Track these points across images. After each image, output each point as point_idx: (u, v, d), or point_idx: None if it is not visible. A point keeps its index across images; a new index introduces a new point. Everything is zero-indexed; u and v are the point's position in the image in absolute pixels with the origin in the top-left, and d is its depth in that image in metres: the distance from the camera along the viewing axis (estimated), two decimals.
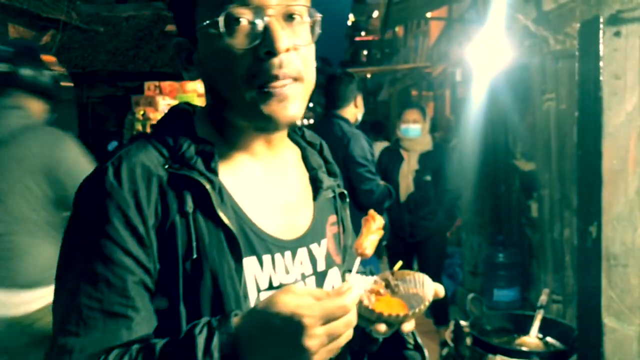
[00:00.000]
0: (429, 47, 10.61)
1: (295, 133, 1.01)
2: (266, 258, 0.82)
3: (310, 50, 0.84)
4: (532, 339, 2.15)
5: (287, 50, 0.78)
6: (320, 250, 0.91)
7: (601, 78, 1.61)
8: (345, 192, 1.02)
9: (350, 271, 0.97)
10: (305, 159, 0.99)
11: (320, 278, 0.90)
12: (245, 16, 0.78)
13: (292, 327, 0.66)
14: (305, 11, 0.82)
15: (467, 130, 4.84)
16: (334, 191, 0.99)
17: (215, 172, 0.80)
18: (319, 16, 0.85)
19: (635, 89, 1.60)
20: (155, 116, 8.32)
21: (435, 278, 3.29)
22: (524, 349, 2.09)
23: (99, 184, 0.77)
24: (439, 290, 0.86)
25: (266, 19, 0.78)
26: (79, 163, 1.94)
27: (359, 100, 3.26)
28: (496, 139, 4.72)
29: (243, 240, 0.79)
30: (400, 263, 0.93)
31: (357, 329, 0.75)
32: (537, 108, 3.75)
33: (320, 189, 0.95)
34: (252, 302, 0.79)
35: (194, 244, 0.76)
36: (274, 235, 0.85)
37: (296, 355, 0.67)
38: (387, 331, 0.80)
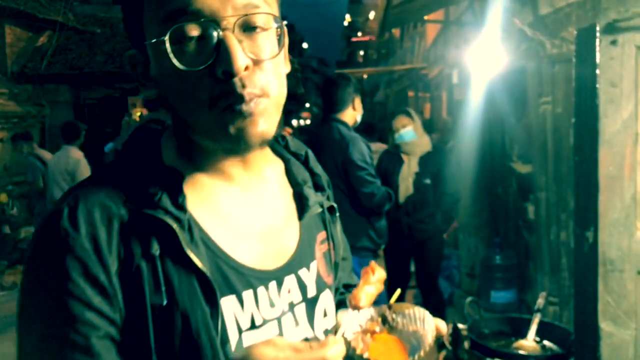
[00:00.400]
0: (426, 48, 10.64)
1: (277, 143, 0.93)
2: (247, 294, 0.75)
3: (277, 62, 0.75)
4: (529, 343, 2.16)
5: (247, 68, 0.69)
6: (309, 274, 0.84)
7: (598, 86, 1.63)
8: (335, 205, 0.95)
9: (343, 307, 0.93)
10: (289, 172, 0.91)
11: (311, 304, 0.84)
12: (194, 31, 0.69)
13: None
14: (268, 19, 0.73)
15: (464, 133, 4.87)
16: (321, 206, 0.91)
17: (183, 209, 0.71)
18: (284, 23, 0.76)
19: (631, 97, 1.62)
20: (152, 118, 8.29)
21: (433, 280, 3.31)
22: (521, 352, 2.11)
23: (52, 231, 0.68)
24: (441, 326, 0.83)
25: (220, 32, 0.68)
26: None
27: (357, 102, 3.27)
28: (493, 142, 4.74)
29: (219, 280, 0.72)
30: (398, 292, 0.89)
31: None
32: (533, 111, 3.78)
33: (306, 207, 0.87)
34: (233, 346, 0.73)
35: (163, 289, 0.68)
36: (256, 267, 0.77)
37: None
38: None
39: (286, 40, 0.76)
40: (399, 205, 3.88)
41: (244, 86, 0.69)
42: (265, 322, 0.76)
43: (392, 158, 4.06)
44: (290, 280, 0.81)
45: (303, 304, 0.82)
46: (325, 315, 0.85)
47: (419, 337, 0.78)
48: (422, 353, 0.75)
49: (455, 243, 5.47)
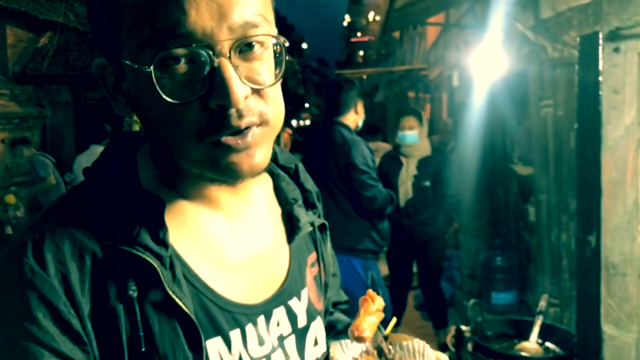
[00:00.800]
0: (426, 49, 10.66)
1: None
2: (234, 334, 0.68)
3: (276, 85, 0.66)
4: (532, 345, 2.19)
5: (245, 98, 0.61)
6: (300, 304, 0.78)
7: (600, 92, 1.65)
8: (326, 222, 0.89)
9: (337, 338, 0.90)
10: (278, 189, 0.83)
11: (301, 335, 0.78)
12: (184, 57, 0.59)
13: None
14: (268, 38, 0.64)
15: (465, 135, 4.89)
16: (312, 224, 0.84)
17: (164, 244, 0.63)
18: (285, 41, 0.66)
19: (634, 104, 1.64)
20: None
21: (435, 281, 3.34)
22: (524, 354, 2.14)
23: (16, 269, 0.59)
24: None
25: (214, 59, 0.59)
26: None
27: (360, 106, 3.28)
28: (494, 144, 4.77)
29: (204, 320, 0.65)
30: (393, 321, 0.85)
31: None
32: (534, 114, 3.80)
33: (297, 229, 0.80)
34: None
35: (141, 334, 0.61)
36: (244, 302, 0.70)
37: None
38: None
39: (285, 61, 0.67)
40: (399, 208, 3.90)
41: (240, 116, 0.61)
42: None
43: (392, 161, 4.08)
44: (279, 313, 0.75)
45: (293, 336, 0.76)
46: (316, 343, 0.80)
47: None
48: None
49: (456, 244, 5.49)
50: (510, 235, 4.61)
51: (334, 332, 0.96)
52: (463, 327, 2.34)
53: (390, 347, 0.78)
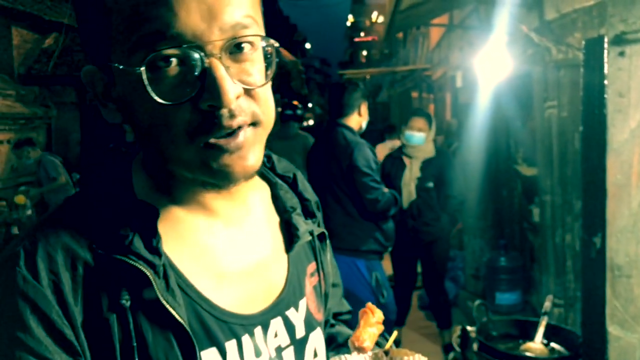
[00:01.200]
0: (429, 49, 10.67)
1: (263, 165, 0.82)
2: (230, 345, 0.67)
3: (267, 88, 0.66)
4: (537, 345, 2.21)
5: (237, 98, 0.61)
6: (298, 315, 0.77)
7: (606, 96, 1.67)
8: (326, 232, 0.87)
9: (337, 351, 0.90)
10: (276, 198, 0.82)
11: (300, 346, 0.76)
12: (175, 58, 0.59)
13: None
14: (258, 39, 0.64)
15: (469, 135, 4.90)
16: (311, 233, 0.83)
17: (158, 253, 0.62)
18: (275, 43, 0.67)
19: (639, 107, 1.66)
20: None
21: (440, 281, 3.36)
22: (529, 354, 2.15)
23: (9, 279, 0.60)
24: None
25: (205, 59, 0.59)
26: None
27: (364, 108, 3.28)
28: (498, 144, 4.78)
29: (199, 331, 0.65)
30: (395, 335, 0.84)
31: None
32: (539, 115, 3.81)
33: (296, 237, 0.79)
34: None
35: (134, 343, 0.60)
36: (240, 312, 0.69)
37: None
38: None
39: (275, 62, 0.67)
40: (403, 210, 3.91)
41: (232, 116, 0.60)
42: None
43: (395, 161, 4.08)
44: (277, 323, 0.73)
45: (291, 347, 0.75)
46: (315, 355, 0.79)
47: None
48: None
49: (460, 245, 5.50)
50: (515, 235, 4.63)
51: (335, 344, 0.95)
52: (468, 328, 2.36)
53: None
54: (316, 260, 0.84)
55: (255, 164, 0.64)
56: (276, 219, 0.81)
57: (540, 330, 2.23)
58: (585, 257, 1.83)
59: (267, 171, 0.83)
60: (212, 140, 0.61)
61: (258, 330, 0.71)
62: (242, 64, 0.63)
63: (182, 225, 0.69)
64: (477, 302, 2.37)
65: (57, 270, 0.60)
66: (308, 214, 0.84)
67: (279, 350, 0.73)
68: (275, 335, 0.73)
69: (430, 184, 3.94)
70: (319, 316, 0.82)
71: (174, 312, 0.61)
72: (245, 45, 0.63)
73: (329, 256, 0.89)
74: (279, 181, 0.84)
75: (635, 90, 1.62)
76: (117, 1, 0.60)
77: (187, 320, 0.63)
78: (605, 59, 1.69)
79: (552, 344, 2.25)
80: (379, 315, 0.82)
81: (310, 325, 0.78)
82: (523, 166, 4.60)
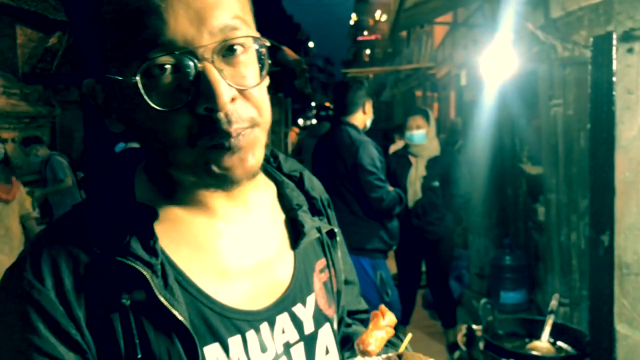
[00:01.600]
0: (433, 48, 10.65)
1: (269, 164, 0.84)
2: (234, 341, 0.68)
3: (261, 85, 0.67)
4: (543, 344, 2.20)
5: (233, 99, 0.62)
6: (306, 311, 0.77)
7: (614, 93, 1.66)
8: (336, 229, 0.87)
9: (352, 352, 0.88)
10: (282, 196, 0.82)
11: (310, 342, 0.76)
12: (168, 64, 0.60)
13: None
14: (248, 39, 0.65)
15: (474, 134, 4.89)
16: (319, 230, 0.83)
17: (155, 253, 0.64)
18: (266, 42, 0.67)
19: None
20: None
21: (444, 281, 3.35)
22: (536, 353, 2.14)
23: (16, 283, 0.63)
24: None
25: (197, 64, 0.60)
26: None
27: (368, 106, 3.27)
28: (503, 143, 4.77)
29: (200, 327, 0.66)
30: (409, 337, 0.83)
31: None
32: (544, 113, 3.80)
33: (302, 234, 0.79)
34: None
35: (137, 340, 0.62)
36: (243, 308, 0.70)
37: None
38: None
39: (268, 63, 0.68)
40: (408, 209, 3.90)
41: (229, 122, 0.61)
42: None
43: (400, 160, 4.08)
44: (283, 319, 0.74)
45: (301, 344, 0.75)
46: (327, 352, 0.79)
47: None
48: None
49: (464, 244, 5.49)
50: (519, 234, 4.61)
51: (350, 344, 0.94)
52: (474, 326, 2.35)
53: None
54: (326, 256, 0.84)
55: (256, 164, 0.65)
56: (282, 216, 0.81)
57: (547, 329, 2.22)
58: (592, 255, 1.82)
59: (273, 170, 0.84)
60: (213, 146, 0.62)
61: (264, 326, 0.71)
62: (235, 66, 0.64)
63: (182, 225, 0.71)
64: (483, 300, 2.36)
65: (60, 274, 0.63)
66: (315, 211, 0.85)
67: (287, 346, 0.73)
68: (283, 331, 0.73)
69: (436, 183, 3.93)
70: (330, 312, 0.82)
71: (172, 309, 0.63)
72: (237, 47, 0.63)
73: (340, 253, 0.89)
74: (286, 180, 0.84)
75: None
76: (108, 14, 0.61)
77: (187, 316, 0.64)
78: (614, 56, 1.68)
79: (559, 343, 2.24)
80: (390, 318, 0.81)
81: (319, 321, 0.79)
82: (528, 165, 4.59)
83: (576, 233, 3.58)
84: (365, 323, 1.01)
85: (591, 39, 1.80)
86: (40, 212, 6.02)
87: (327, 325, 0.80)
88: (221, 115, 0.61)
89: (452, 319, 4.14)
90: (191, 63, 0.60)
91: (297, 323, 0.75)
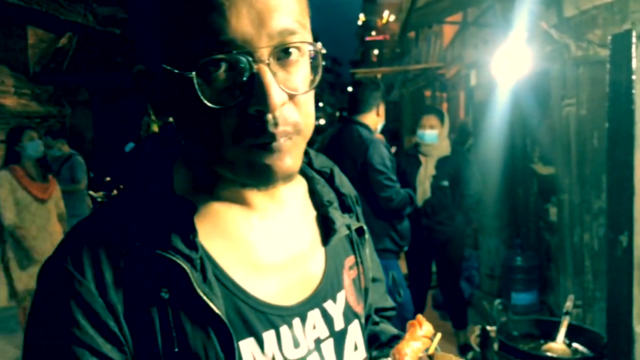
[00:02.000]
0: (442, 48, 10.62)
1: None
2: (268, 335, 0.68)
3: (310, 95, 0.67)
4: (559, 345, 2.18)
5: (283, 104, 0.62)
6: (336, 307, 0.77)
7: (633, 91, 1.64)
8: (365, 227, 0.88)
9: (380, 351, 0.89)
10: (313, 192, 0.83)
11: (340, 338, 0.77)
12: (224, 63, 0.61)
13: None
14: (305, 45, 0.66)
15: (485, 134, 4.86)
16: (349, 227, 0.83)
17: (194, 247, 0.65)
18: (321, 49, 0.68)
19: None
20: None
21: (455, 281, 3.33)
22: (551, 354, 2.13)
23: (57, 274, 0.64)
24: None
25: (253, 65, 0.61)
26: None
27: (381, 109, 3.25)
28: (514, 143, 4.74)
29: (236, 321, 0.66)
30: (438, 337, 0.82)
31: None
32: (556, 113, 3.77)
33: (332, 230, 0.80)
34: None
35: (174, 334, 0.63)
36: (277, 303, 0.71)
37: None
38: None
39: (321, 68, 0.68)
40: (417, 208, 3.88)
41: (276, 124, 0.62)
42: None
43: (410, 159, 4.06)
44: (314, 315, 0.74)
45: (331, 340, 0.75)
46: (355, 348, 0.79)
47: None
48: None
49: (475, 244, 5.47)
50: (530, 235, 4.59)
51: (378, 343, 0.94)
52: (488, 327, 2.33)
53: None
54: (354, 254, 0.85)
55: (293, 167, 0.66)
56: (313, 213, 0.82)
57: (562, 330, 2.21)
58: (610, 256, 1.80)
59: (304, 166, 0.84)
60: (257, 146, 0.63)
61: (296, 321, 0.72)
62: (289, 70, 0.64)
63: (219, 219, 0.71)
64: (497, 301, 2.35)
65: (100, 266, 0.63)
66: (345, 208, 0.85)
67: (318, 342, 0.74)
68: (314, 327, 0.74)
69: (445, 183, 3.91)
70: (359, 309, 0.82)
71: (210, 304, 0.64)
72: (293, 51, 0.64)
73: (368, 250, 0.89)
74: (316, 176, 0.85)
75: None
76: (171, 6, 0.62)
77: (224, 311, 0.65)
78: (633, 54, 1.66)
79: (575, 345, 2.22)
80: (427, 329, 0.80)
81: (349, 317, 0.79)
82: (539, 165, 4.56)
83: (589, 233, 3.55)
84: (391, 321, 1.01)
85: (609, 37, 1.78)
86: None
87: (356, 322, 0.80)
88: (269, 117, 0.61)
89: (463, 320, 4.11)
90: (247, 63, 0.61)
91: (328, 319, 0.76)
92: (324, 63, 0.69)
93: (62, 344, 0.61)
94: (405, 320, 0.85)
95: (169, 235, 0.65)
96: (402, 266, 3.94)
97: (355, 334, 0.79)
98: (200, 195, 0.71)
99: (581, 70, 3.41)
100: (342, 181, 0.88)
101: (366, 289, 0.88)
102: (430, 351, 0.79)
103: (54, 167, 5.87)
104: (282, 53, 0.63)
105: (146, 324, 0.63)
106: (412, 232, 3.45)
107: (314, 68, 0.68)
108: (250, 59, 0.60)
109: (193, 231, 0.66)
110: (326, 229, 0.80)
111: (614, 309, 1.79)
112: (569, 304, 2.28)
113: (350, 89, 3.38)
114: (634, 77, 1.64)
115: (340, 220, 0.81)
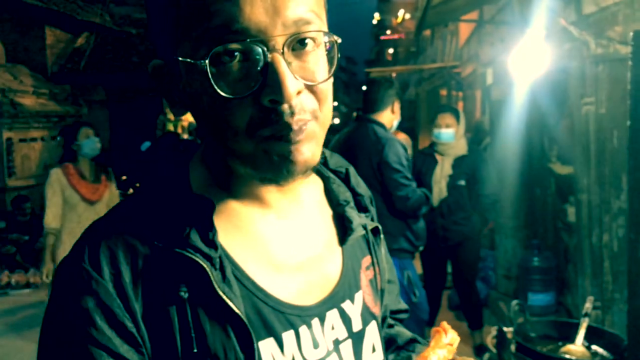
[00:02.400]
0: (458, 47, 10.54)
1: None
2: (288, 335, 0.67)
3: (328, 85, 0.66)
4: (578, 347, 2.14)
5: (298, 93, 0.61)
6: (354, 307, 0.76)
7: None
8: (380, 226, 0.87)
9: (397, 354, 0.88)
10: (329, 192, 0.82)
11: (358, 339, 0.76)
12: (238, 52, 0.60)
13: None
14: (319, 34, 0.64)
15: (502, 133, 4.81)
16: (365, 227, 0.82)
17: (214, 245, 0.64)
18: (337, 39, 0.66)
19: None
20: (187, 117, 8.44)
21: (471, 282, 3.29)
22: (570, 357, 2.09)
23: (74, 273, 0.63)
24: None
25: (267, 54, 0.60)
26: None
27: (397, 106, 3.23)
28: (531, 142, 4.69)
29: (256, 321, 0.65)
30: (457, 340, 0.82)
31: None
32: (575, 112, 3.72)
33: (349, 230, 0.78)
34: None
35: (193, 335, 0.62)
36: (296, 303, 0.69)
37: None
38: None
39: (337, 58, 0.67)
40: (433, 208, 3.85)
41: (292, 114, 0.60)
42: None
43: (427, 159, 4.03)
44: (333, 315, 0.73)
45: (349, 341, 0.74)
46: (373, 350, 0.78)
47: None
48: None
49: (491, 244, 5.42)
50: (548, 235, 4.53)
51: (395, 346, 0.93)
52: (505, 328, 2.30)
53: None
54: (371, 254, 0.83)
55: (313, 158, 0.64)
56: (329, 212, 0.80)
57: (582, 332, 2.17)
58: (631, 257, 1.77)
59: (320, 166, 0.83)
60: (275, 135, 0.62)
61: (315, 322, 0.70)
62: (304, 60, 0.63)
63: (237, 218, 0.70)
64: (514, 302, 2.32)
65: (118, 265, 0.62)
66: (361, 208, 0.84)
67: (337, 343, 0.73)
68: (332, 328, 0.72)
69: (462, 182, 3.88)
70: (376, 310, 0.81)
71: (230, 303, 0.62)
72: (308, 41, 0.63)
73: (383, 251, 0.88)
74: (332, 175, 0.83)
75: None
76: None
77: (243, 310, 0.64)
78: None
79: (594, 347, 2.18)
80: (452, 336, 0.79)
81: (366, 318, 0.78)
82: (557, 164, 4.50)
83: (608, 234, 3.49)
84: (405, 323, 1.00)
85: (631, 34, 1.74)
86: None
87: (374, 323, 0.79)
88: (285, 107, 0.60)
89: (479, 320, 4.08)
90: (261, 53, 0.59)
91: (346, 320, 0.74)
92: (339, 55, 0.67)
93: (79, 344, 0.60)
94: (420, 321, 0.83)
95: (188, 233, 0.63)
96: (417, 266, 3.92)
97: (373, 336, 0.78)
98: (218, 192, 0.70)
99: (601, 68, 3.35)
100: (358, 181, 0.87)
101: (382, 290, 0.86)
102: (450, 356, 0.79)
103: None
104: (298, 44, 0.62)
105: (164, 324, 0.62)
106: (427, 232, 3.43)
107: (330, 59, 0.67)
108: (265, 48, 0.59)
109: (212, 229, 0.64)
110: (343, 228, 0.79)
111: (635, 310, 1.76)
112: (588, 306, 2.25)
113: (364, 88, 3.37)
114: None
115: (357, 220, 0.80)
